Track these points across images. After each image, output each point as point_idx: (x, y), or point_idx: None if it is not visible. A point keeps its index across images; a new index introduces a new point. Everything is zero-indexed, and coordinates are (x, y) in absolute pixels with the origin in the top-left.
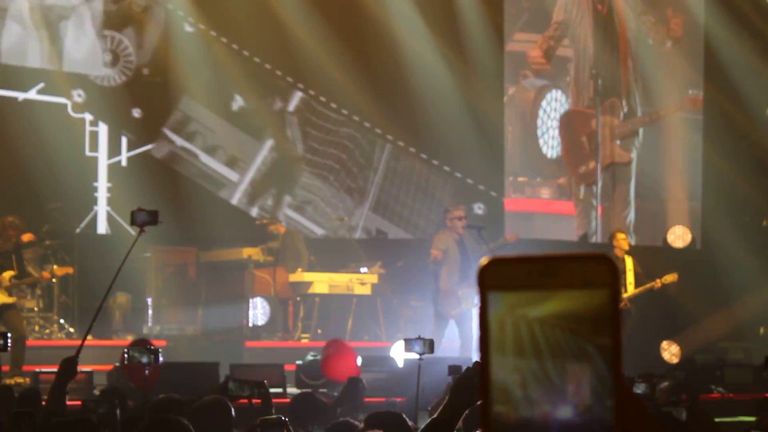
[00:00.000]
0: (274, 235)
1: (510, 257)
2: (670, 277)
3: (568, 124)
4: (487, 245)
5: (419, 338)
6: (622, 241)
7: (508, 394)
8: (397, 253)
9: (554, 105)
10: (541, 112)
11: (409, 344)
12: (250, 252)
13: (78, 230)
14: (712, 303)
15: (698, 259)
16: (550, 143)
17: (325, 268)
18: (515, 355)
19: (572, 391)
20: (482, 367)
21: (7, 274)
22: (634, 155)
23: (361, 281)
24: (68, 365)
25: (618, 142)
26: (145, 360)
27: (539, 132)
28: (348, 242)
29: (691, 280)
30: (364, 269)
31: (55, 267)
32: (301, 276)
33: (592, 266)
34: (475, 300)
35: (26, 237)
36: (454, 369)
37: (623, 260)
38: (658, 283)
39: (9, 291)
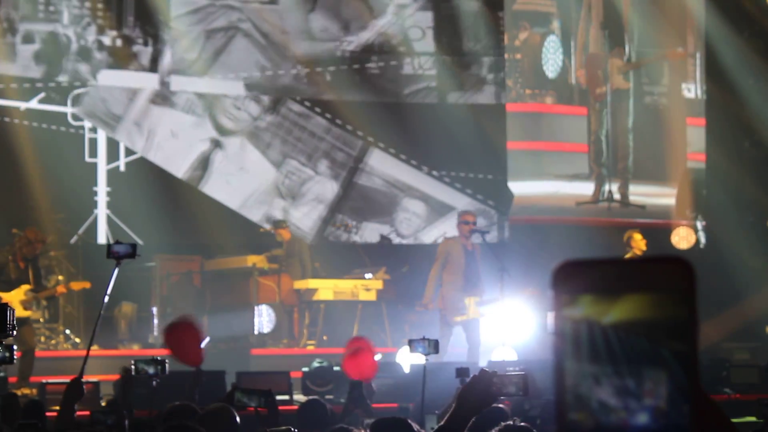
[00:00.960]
0: (278, 241)
1: (584, 261)
2: None
3: (590, 60)
4: (493, 251)
5: (423, 339)
6: (640, 242)
7: (583, 401)
8: (402, 259)
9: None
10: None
11: (413, 345)
12: (254, 260)
13: (76, 236)
14: (717, 304)
15: (702, 259)
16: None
17: (329, 274)
18: (590, 361)
19: (649, 397)
20: (557, 373)
21: (24, 288)
22: (631, 83)
23: (366, 287)
24: (75, 387)
25: (621, 76)
26: (152, 371)
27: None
28: (352, 248)
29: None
30: (368, 275)
31: (72, 283)
32: (306, 283)
33: (668, 269)
34: (480, 309)
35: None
36: (461, 371)
37: None
38: None
39: (25, 305)
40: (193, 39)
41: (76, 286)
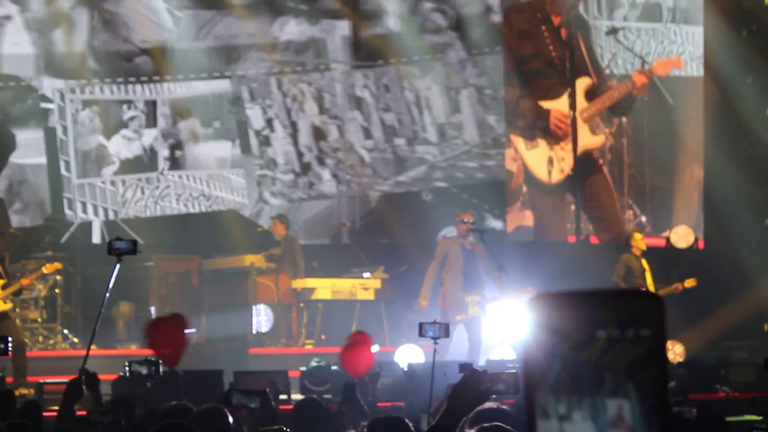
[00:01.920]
0: (276, 240)
1: (557, 293)
2: (691, 282)
3: None
4: (490, 249)
5: (434, 322)
6: (640, 241)
7: (554, 428)
8: (400, 258)
9: None
10: None
11: (424, 328)
12: (252, 259)
13: (67, 235)
14: (715, 302)
15: (701, 258)
16: None
17: (327, 273)
18: (562, 390)
19: (619, 426)
20: (527, 402)
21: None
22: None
23: (364, 286)
24: (73, 387)
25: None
26: (145, 372)
27: None
28: (350, 247)
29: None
30: (367, 274)
31: (44, 267)
32: (304, 282)
33: (639, 303)
34: (481, 308)
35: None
36: (465, 367)
37: (641, 261)
38: (679, 287)
39: (3, 299)
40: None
41: (48, 268)
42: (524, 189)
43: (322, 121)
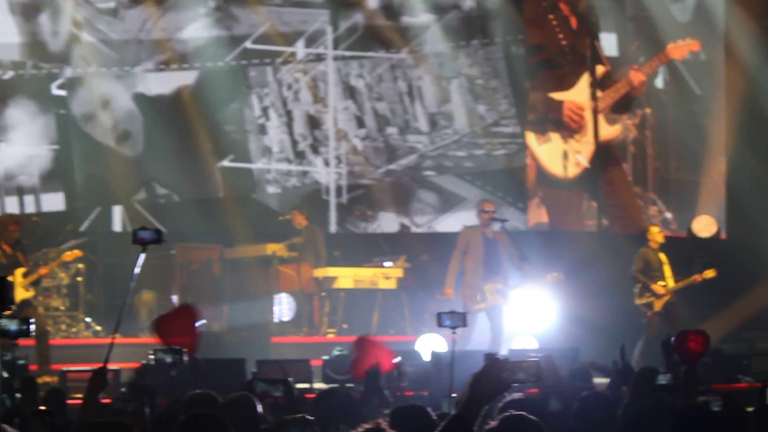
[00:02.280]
0: (298, 229)
1: None
2: (710, 273)
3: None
4: (513, 239)
5: (452, 312)
6: (657, 234)
7: None
8: (421, 247)
9: None
10: None
11: (441, 318)
12: (274, 248)
13: (87, 223)
14: (738, 292)
15: (724, 248)
16: None
17: (349, 262)
18: None
19: None
20: None
21: (19, 271)
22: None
23: (386, 275)
24: (98, 377)
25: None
26: (170, 360)
27: None
28: (372, 237)
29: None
30: (388, 263)
31: (64, 255)
32: (325, 271)
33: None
34: (501, 296)
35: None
36: (490, 357)
37: (658, 254)
38: (698, 278)
39: (25, 287)
40: None
41: (68, 256)
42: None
43: (316, 110)
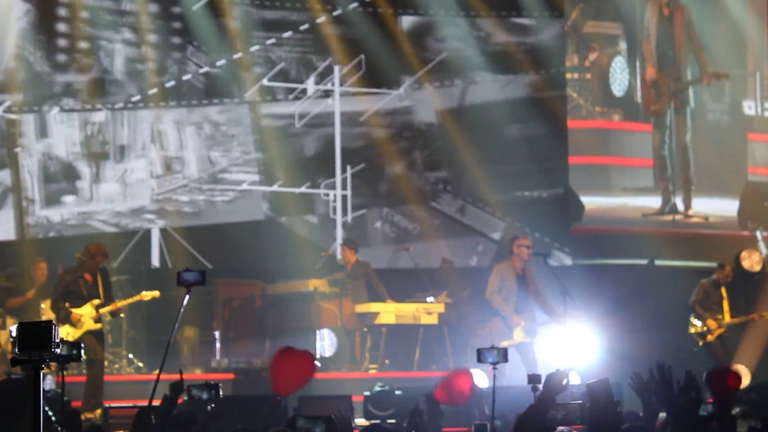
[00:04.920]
0: (340, 265)
1: None
2: None
3: (643, 80)
4: (554, 273)
5: (492, 347)
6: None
7: None
8: (463, 282)
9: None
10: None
11: (482, 354)
12: (315, 284)
13: (122, 256)
14: None
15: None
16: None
17: (391, 298)
18: None
19: None
20: None
21: (94, 302)
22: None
23: (427, 311)
24: (144, 416)
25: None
26: (205, 396)
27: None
28: (414, 272)
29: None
30: (430, 299)
31: (143, 292)
32: (367, 307)
33: None
34: (528, 333)
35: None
36: (533, 378)
37: (720, 289)
38: (756, 318)
39: (94, 318)
40: None
41: (147, 296)
42: None
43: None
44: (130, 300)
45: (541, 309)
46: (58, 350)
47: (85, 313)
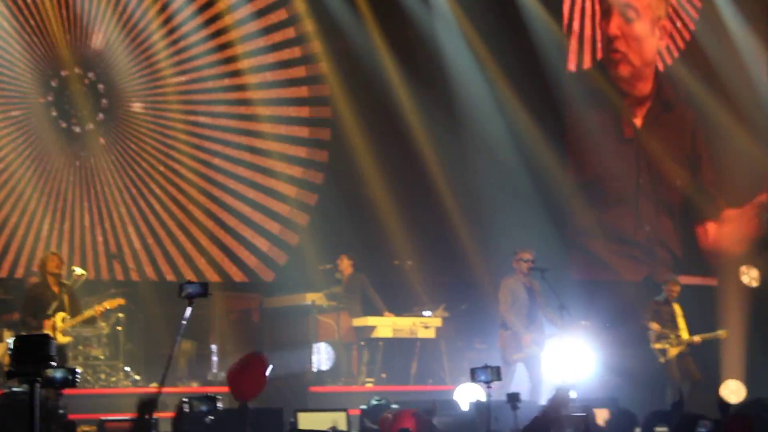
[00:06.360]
0: (337, 278)
1: None
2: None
3: None
4: (552, 288)
5: (485, 366)
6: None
7: None
8: (460, 296)
9: None
10: None
11: (476, 373)
12: (313, 297)
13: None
14: None
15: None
16: None
17: (388, 311)
18: None
19: None
20: None
21: (61, 315)
22: None
23: (424, 325)
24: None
25: None
26: (205, 408)
27: None
28: (411, 286)
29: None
30: (427, 313)
31: (106, 302)
32: (364, 320)
33: None
34: (538, 346)
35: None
36: (512, 397)
37: (672, 306)
38: (724, 335)
39: (63, 332)
40: None
41: (110, 304)
42: None
43: None
44: (92, 312)
45: (548, 320)
46: (54, 363)
47: (53, 326)
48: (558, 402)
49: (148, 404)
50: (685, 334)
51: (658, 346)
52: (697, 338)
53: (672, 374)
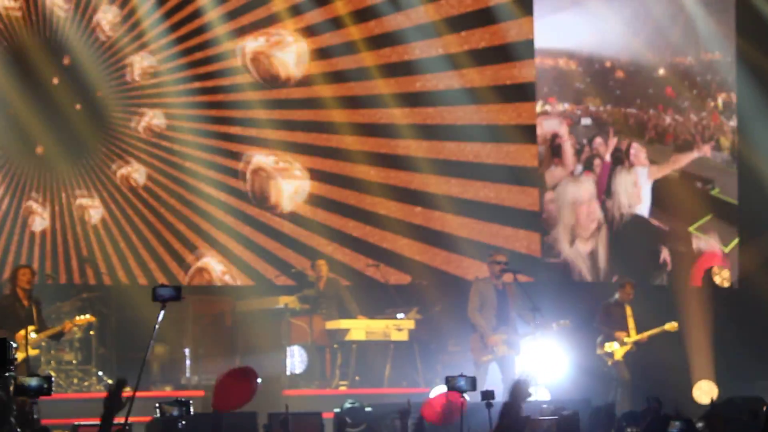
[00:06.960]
0: (310, 282)
1: None
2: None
3: None
4: (525, 290)
5: (462, 375)
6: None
7: None
8: (434, 298)
9: None
10: None
11: (453, 381)
12: (286, 300)
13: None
14: (749, 343)
15: (736, 298)
16: None
17: (361, 314)
18: None
19: None
20: None
21: (30, 328)
22: None
23: (398, 327)
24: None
25: None
26: (176, 413)
27: None
28: (384, 288)
29: (730, 320)
30: (401, 315)
31: (76, 318)
32: (337, 323)
33: None
34: (510, 347)
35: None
36: (487, 394)
37: (625, 306)
38: (671, 328)
39: (32, 344)
40: None
41: (80, 321)
42: None
43: None
44: (60, 327)
45: (524, 321)
46: (12, 367)
47: (21, 339)
48: (517, 393)
49: (121, 383)
50: (633, 335)
51: (600, 352)
52: (644, 336)
53: (621, 375)
